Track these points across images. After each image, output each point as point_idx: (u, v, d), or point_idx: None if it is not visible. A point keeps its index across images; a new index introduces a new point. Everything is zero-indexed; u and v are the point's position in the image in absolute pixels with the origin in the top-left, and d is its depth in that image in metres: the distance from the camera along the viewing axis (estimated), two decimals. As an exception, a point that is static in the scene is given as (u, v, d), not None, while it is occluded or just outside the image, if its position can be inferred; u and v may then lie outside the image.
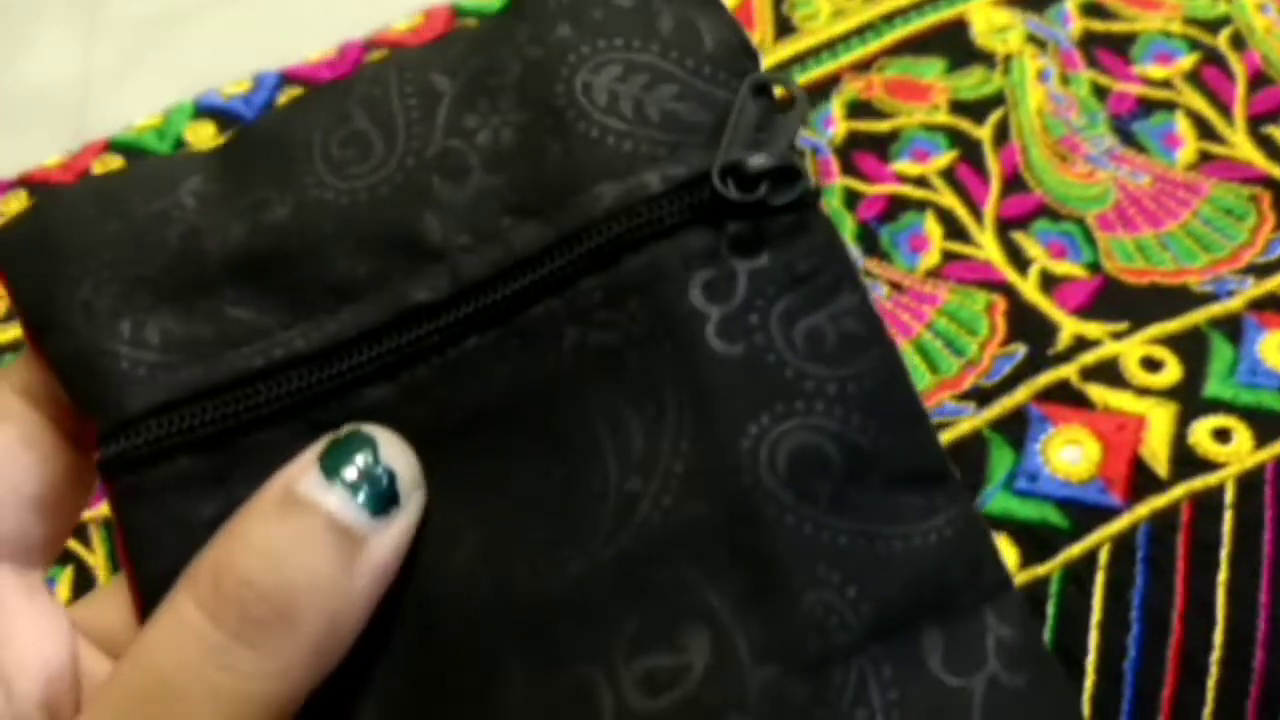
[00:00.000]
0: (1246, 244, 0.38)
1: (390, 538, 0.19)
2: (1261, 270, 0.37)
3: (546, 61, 0.21)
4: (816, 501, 0.19)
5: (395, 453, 0.20)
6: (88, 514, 0.36)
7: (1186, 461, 0.33)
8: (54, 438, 0.21)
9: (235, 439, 0.20)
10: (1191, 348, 0.36)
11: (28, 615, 0.21)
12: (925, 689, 0.19)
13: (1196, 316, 0.36)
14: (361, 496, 0.19)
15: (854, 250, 0.39)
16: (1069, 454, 0.34)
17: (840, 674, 0.18)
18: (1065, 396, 0.35)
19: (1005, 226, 0.39)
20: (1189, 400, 0.35)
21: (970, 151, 0.41)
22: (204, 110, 0.44)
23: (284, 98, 0.45)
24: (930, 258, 0.39)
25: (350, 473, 0.19)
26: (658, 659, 0.19)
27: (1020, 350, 0.37)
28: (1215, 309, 0.37)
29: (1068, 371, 0.36)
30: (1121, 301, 0.37)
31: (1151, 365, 0.36)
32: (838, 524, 0.19)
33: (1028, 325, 0.37)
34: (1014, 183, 0.40)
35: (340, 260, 0.21)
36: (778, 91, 0.21)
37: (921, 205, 0.40)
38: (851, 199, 0.41)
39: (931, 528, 0.20)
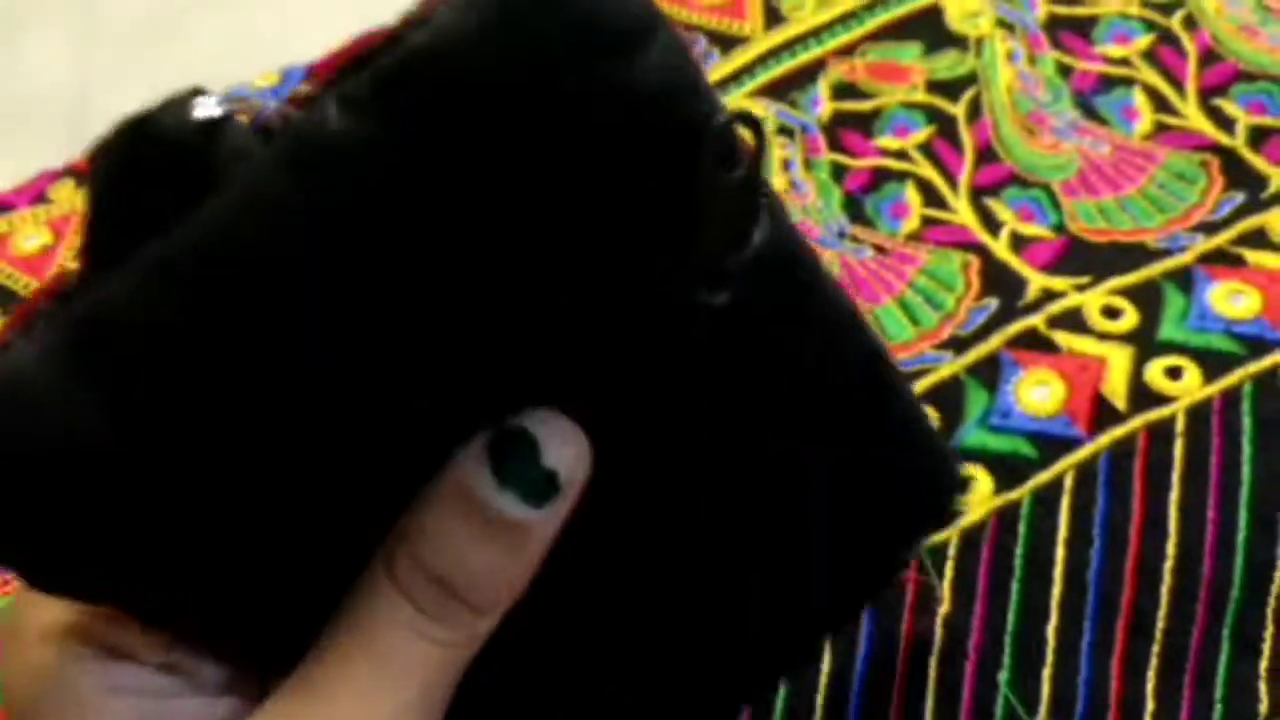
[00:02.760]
0: (1197, 204, 0.42)
1: (553, 519, 0.23)
2: (1210, 228, 0.41)
3: None
4: None
5: (558, 449, 0.23)
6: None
7: (1143, 396, 0.37)
8: None
9: None
10: (1147, 297, 0.40)
11: None
12: None
13: (1152, 270, 0.40)
14: (528, 495, 0.22)
15: (841, 217, 0.43)
16: (1038, 393, 0.38)
17: None
18: (1033, 343, 0.39)
19: (978, 194, 0.43)
20: (1145, 343, 0.38)
21: (946, 127, 0.45)
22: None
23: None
24: (911, 223, 0.43)
25: (517, 477, 0.22)
26: None
27: (993, 303, 0.40)
28: (1169, 263, 0.40)
29: (1036, 321, 0.39)
30: (1084, 258, 0.41)
31: (1111, 313, 0.39)
32: None
33: (999, 281, 0.41)
34: (986, 154, 0.44)
35: None
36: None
37: (902, 176, 0.44)
38: (838, 172, 0.44)
39: None
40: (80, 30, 0.52)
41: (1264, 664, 0.35)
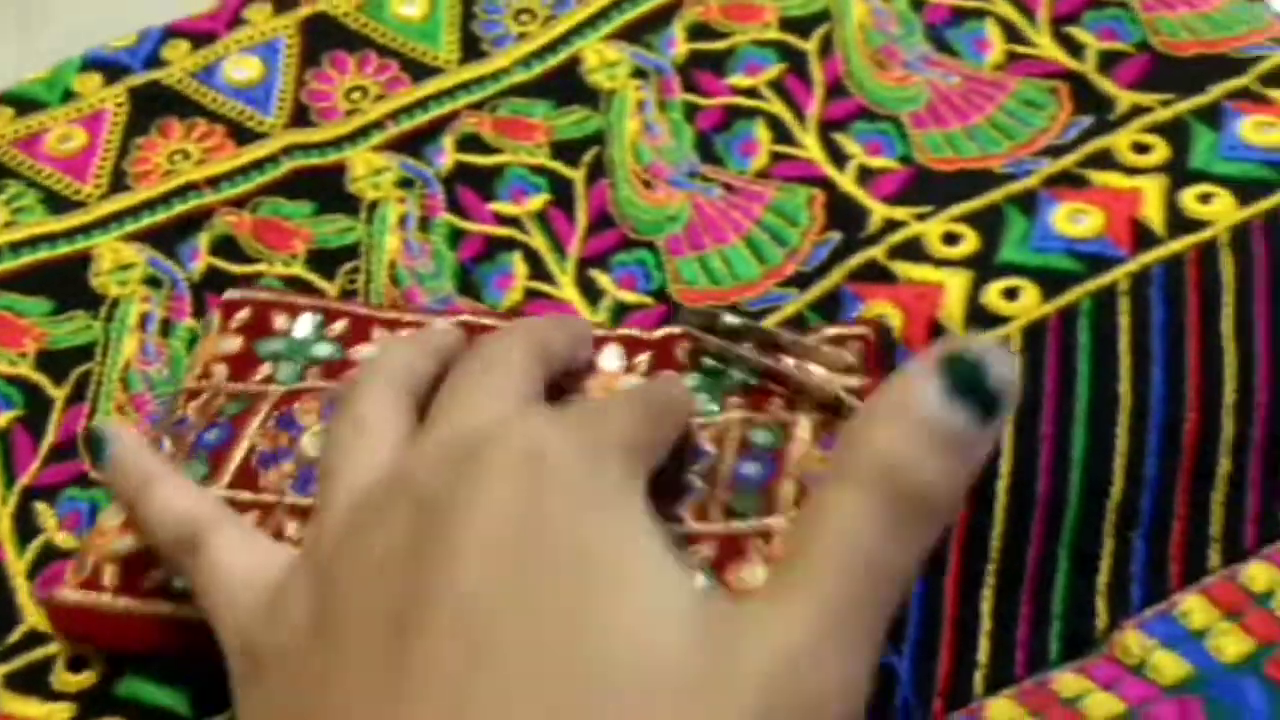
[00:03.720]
0: (1045, 130, 0.42)
1: (992, 437, 0.24)
2: (1057, 150, 0.41)
3: None
4: None
5: (1002, 369, 0.24)
6: None
7: (978, 319, 0.37)
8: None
9: None
10: (989, 222, 0.39)
11: None
12: None
13: (995, 195, 0.40)
14: (973, 413, 0.24)
15: (693, 156, 0.43)
16: (876, 325, 0.38)
17: None
18: (873, 275, 0.39)
19: (827, 128, 0.43)
20: (984, 266, 0.38)
21: (797, 63, 0.45)
22: (91, 63, 0.47)
23: (167, 50, 0.48)
24: (759, 160, 0.43)
25: (970, 397, 0.24)
26: None
27: (835, 237, 0.40)
28: (1013, 187, 0.40)
29: (876, 252, 0.39)
30: (929, 188, 0.41)
31: (951, 239, 0.39)
32: None
33: (843, 214, 0.40)
34: (836, 89, 0.44)
35: None
36: None
37: (752, 114, 0.44)
38: (691, 112, 0.44)
39: None
40: (16, 38, 0.51)
41: (1101, 579, 0.34)
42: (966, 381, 0.24)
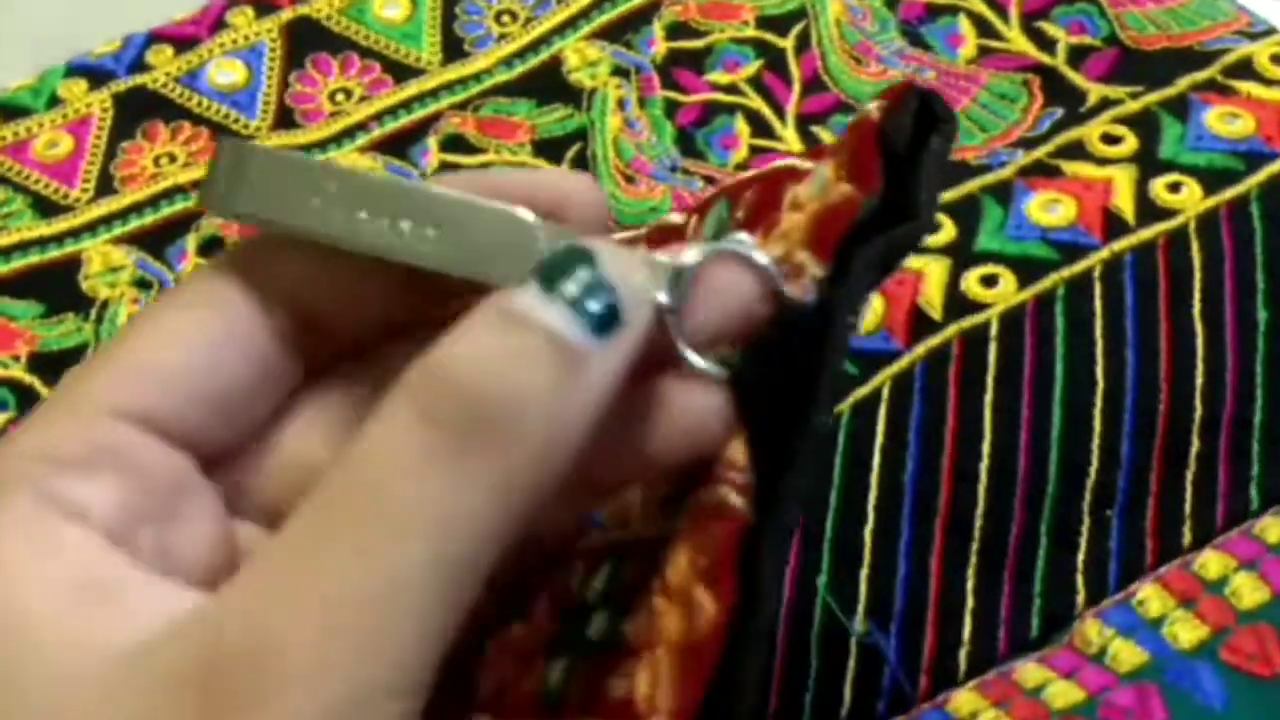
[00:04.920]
0: (1018, 122, 0.43)
1: (612, 358, 0.18)
2: (1030, 142, 0.42)
3: None
4: None
5: (618, 268, 0.18)
6: None
7: (958, 305, 0.38)
8: (262, 335, 0.21)
9: None
10: (966, 211, 0.40)
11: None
12: None
13: (971, 185, 0.41)
14: (582, 314, 0.18)
15: (673, 151, 0.44)
16: (858, 310, 0.38)
17: None
18: (855, 261, 0.40)
19: (805, 122, 0.44)
20: (962, 254, 0.39)
21: (775, 60, 0.45)
22: (76, 69, 0.48)
23: (151, 56, 0.48)
24: (740, 154, 0.43)
25: (569, 288, 0.18)
26: None
27: (817, 225, 0.41)
28: (989, 178, 0.41)
29: (857, 239, 0.40)
30: (907, 179, 0.42)
31: (929, 228, 0.40)
32: None
33: (824, 203, 0.41)
34: (814, 85, 0.45)
35: None
36: None
37: (732, 109, 0.44)
38: (671, 108, 0.45)
39: None
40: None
41: (1080, 557, 0.35)
42: (570, 281, 0.18)
